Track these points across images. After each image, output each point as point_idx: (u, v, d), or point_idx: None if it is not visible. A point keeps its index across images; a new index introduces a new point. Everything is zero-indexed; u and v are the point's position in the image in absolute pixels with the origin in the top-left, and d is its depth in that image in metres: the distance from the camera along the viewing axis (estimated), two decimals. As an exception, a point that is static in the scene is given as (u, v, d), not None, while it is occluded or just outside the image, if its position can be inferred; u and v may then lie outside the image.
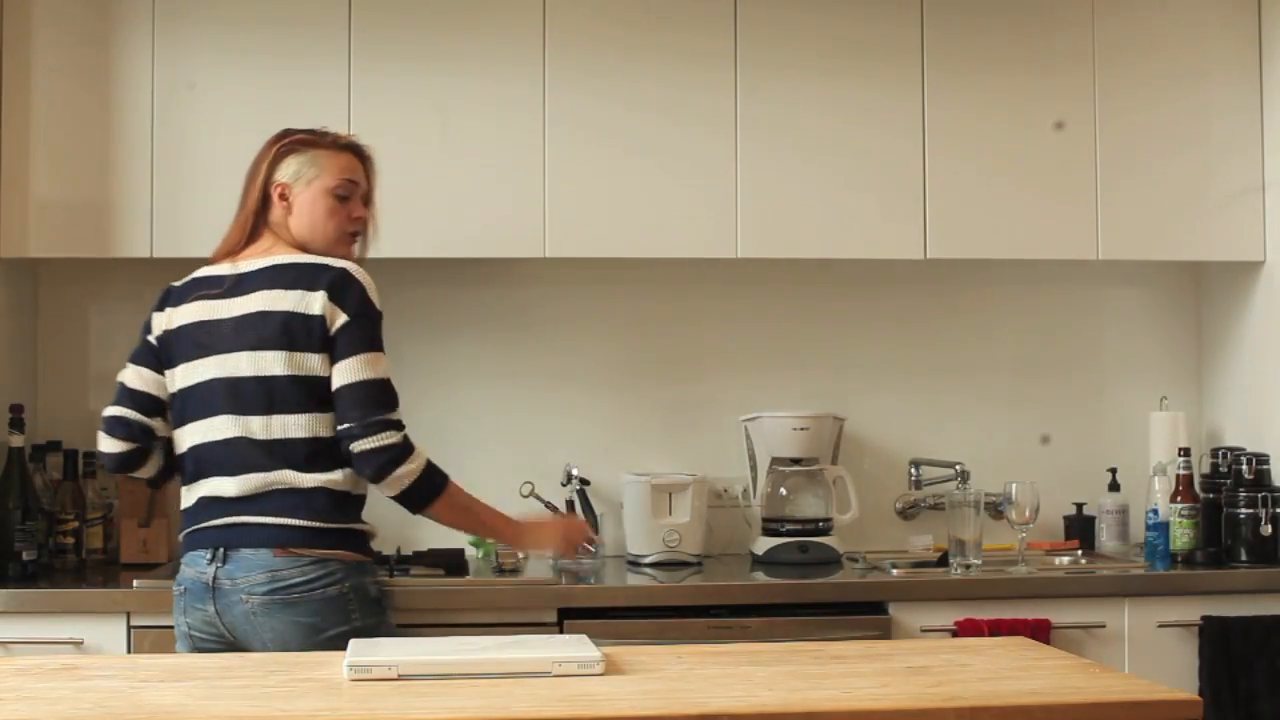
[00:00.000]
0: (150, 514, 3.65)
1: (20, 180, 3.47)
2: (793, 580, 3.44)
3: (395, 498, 2.67)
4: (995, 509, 3.75)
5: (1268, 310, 3.77)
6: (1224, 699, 3.32)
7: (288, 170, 2.79)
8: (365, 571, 2.69)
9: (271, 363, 2.64)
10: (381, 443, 2.61)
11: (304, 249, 2.77)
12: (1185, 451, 3.70)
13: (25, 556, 3.38)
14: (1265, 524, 3.54)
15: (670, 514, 3.65)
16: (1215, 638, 3.35)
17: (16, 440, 3.44)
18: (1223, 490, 3.64)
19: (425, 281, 3.86)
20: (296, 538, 2.62)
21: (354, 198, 2.82)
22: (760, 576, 3.48)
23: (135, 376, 2.82)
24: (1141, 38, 3.75)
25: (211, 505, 2.68)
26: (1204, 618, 3.37)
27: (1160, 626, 3.37)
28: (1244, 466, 3.61)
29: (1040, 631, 3.26)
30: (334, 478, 2.65)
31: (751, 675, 2.05)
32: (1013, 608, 3.32)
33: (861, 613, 3.31)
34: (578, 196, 3.57)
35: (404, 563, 3.44)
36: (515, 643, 2.22)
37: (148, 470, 2.89)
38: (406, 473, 2.63)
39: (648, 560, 3.62)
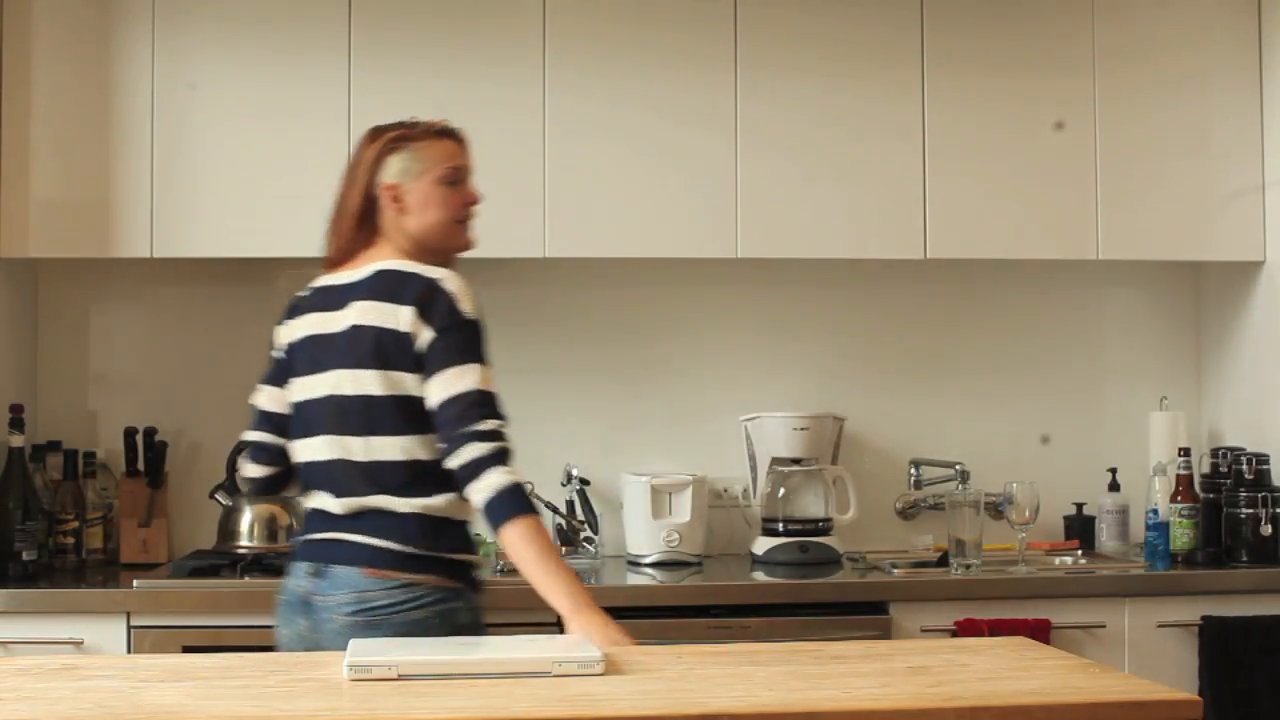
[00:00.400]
0: (150, 514, 3.65)
1: (20, 180, 3.47)
2: (793, 580, 3.44)
3: (481, 514, 2.47)
4: (995, 509, 3.75)
5: (1268, 310, 3.77)
6: (1224, 699, 3.32)
7: (393, 170, 2.62)
8: (457, 598, 2.52)
9: (368, 382, 2.51)
10: (466, 456, 2.43)
11: (422, 246, 2.62)
12: (1185, 451, 3.70)
13: (25, 556, 3.38)
14: (1265, 524, 3.54)
15: (670, 514, 3.65)
16: (1215, 638, 3.35)
17: (16, 440, 3.44)
18: (1223, 490, 3.64)
19: (425, 281, 3.86)
20: (386, 559, 2.50)
21: (462, 182, 2.68)
22: (760, 576, 3.48)
23: (267, 398, 2.72)
24: (1141, 39, 3.75)
25: (316, 518, 2.60)
26: (1204, 618, 3.37)
27: (1160, 626, 3.37)
28: (1244, 466, 3.61)
29: (1040, 631, 3.26)
30: (432, 503, 2.50)
31: (751, 675, 2.05)
32: (1013, 608, 3.32)
33: (861, 613, 3.31)
34: (578, 196, 3.57)
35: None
36: (515, 643, 2.22)
37: (291, 491, 2.82)
38: (486, 484, 2.42)
39: (648, 560, 3.62)
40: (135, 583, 3.23)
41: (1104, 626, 3.36)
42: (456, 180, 2.64)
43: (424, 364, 2.48)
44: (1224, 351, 3.96)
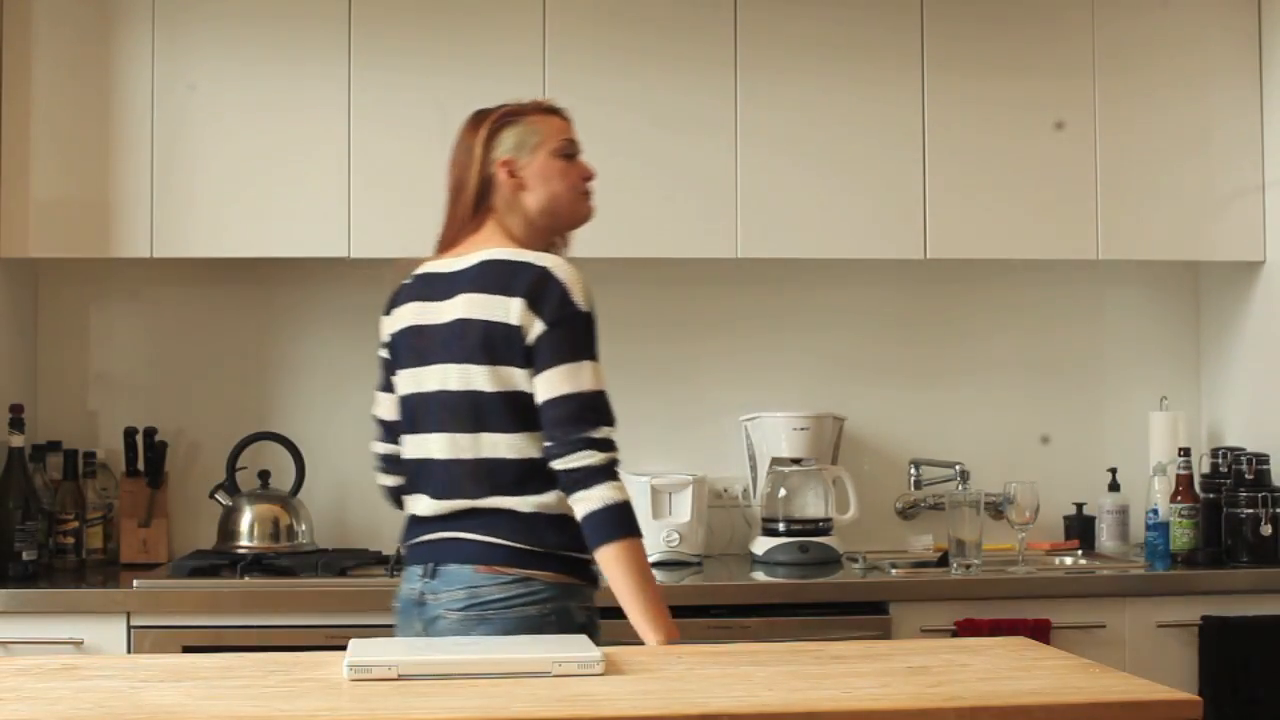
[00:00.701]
0: (150, 514, 3.65)
1: (20, 180, 3.47)
2: (793, 580, 3.44)
3: (581, 523, 2.38)
4: (995, 509, 3.75)
5: (1268, 310, 3.77)
6: (1224, 699, 3.32)
7: (507, 144, 2.54)
8: (573, 595, 2.44)
9: (477, 377, 2.42)
10: (577, 463, 2.35)
11: (539, 223, 2.54)
12: (1185, 451, 3.70)
13: (25, 556, 3.38)
14: (1265, 524, 3.54)
15: (670, 514, 3.65)
16: (1215, 638, 3.35)
17: (16, 440, 3.44)
18: (1223, 490, 3.64)
19: (425, 281, 3.86)
20: (500, 555, 2.42)
21: (575, 155, 2.59)
22: (760, 576, 3.48)
23: (385, 407, 2.62)
24: (1141, 40, 3.75)
25: (424, 521, 2.53)
26: (1204, 618, 3.37)
27: (1160, 626, 3.37)
28: (1244, 466, 3.61)
29: (1040, 631, 3.26)
30: (546, 500, 2.42)
31: (751, 675, 2.05)
32: (1013, 608, 3.32)
33: (861, 613, 3.31)
34: (578, 196, 3.57)
35: (404, 563, 3.44)
36: (515, 643, 2.22)
37: None
38: (595, 496, 2.34)
39: (648, 560, 3.61)
40: (135, 583, 3.23)
41: (1104, 626, 3.36)
42: (571, 153, 2.58)
43: (533, 358, 2.39)
44: (1224, 351, 3.96)
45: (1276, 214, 3.74)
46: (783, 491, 3.71)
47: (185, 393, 3.81)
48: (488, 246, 2.49)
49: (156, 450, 3.68)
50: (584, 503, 2.35)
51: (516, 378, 2.40)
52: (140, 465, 3.69)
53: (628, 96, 3.60)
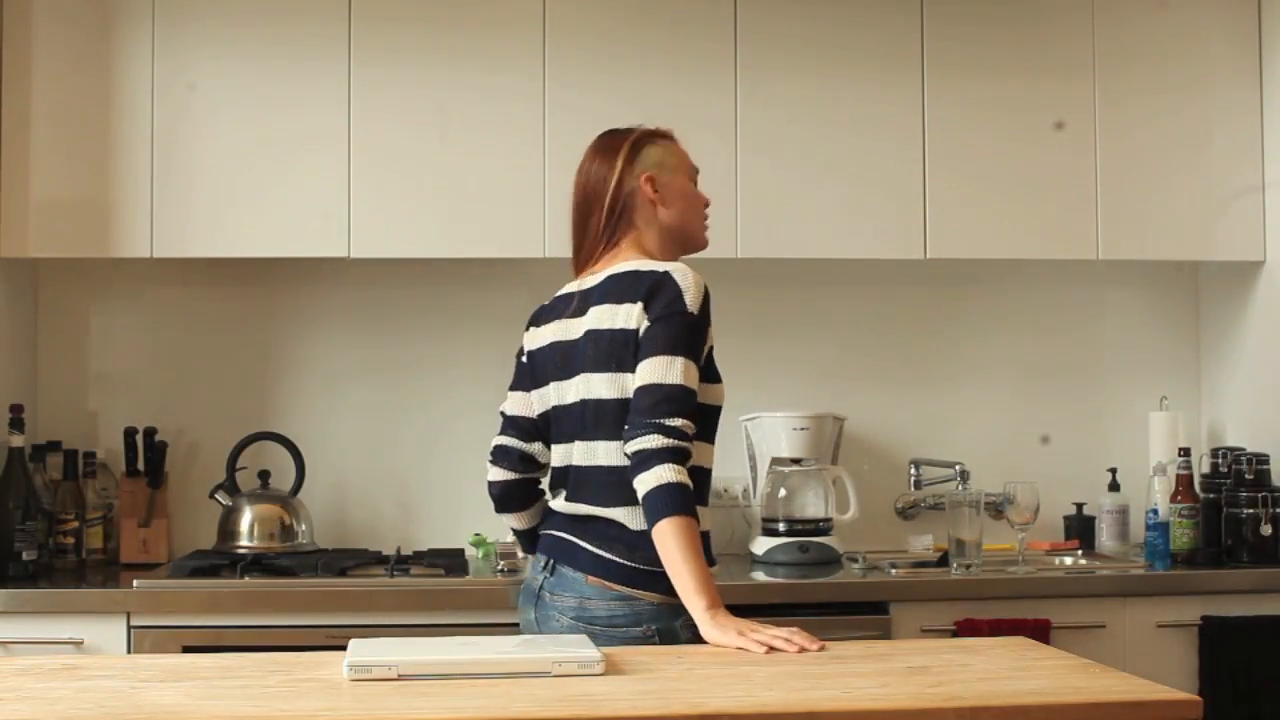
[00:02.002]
0: (150, 514, 3.65)
1: (20, 180, 3.47)
2: (793, 580, 3.44)
3: (641, 502, 2.40)
4: (995, 509, 3.76)
5: (1268, 310, 3.77)
6: (1224, 699, 3.32)
7: (651, 160, 2.62)
8: (678, 614, 2.44)
9: (599, 385, 2.49)
10: (641, 445, 2.38)
11: (672, 239, 2.63)
12: (1185, 451, 3.70)
13: (25, 556, 3.38)
14: (1265, 524, 3.54)
15: (670, 514, 3.64)
16: (1215, 638, 3.35)
17: (16, 440, 3.44)
18: (1223, 490, 3.64)
19: (425, 281, 3.86)
20: (608, 570, 2.48)
21: (696, 184, 2.73)
22: (760, 576, 3.47)
23: (511, 403, 2.72)
24: (1141, 41, 3.75)
25: (555, 516, 2.60)
26: (1204, 618, 3.37)
27: (1160, 626, 3.37)
28: (1244, 466, 3.61)
29: (1040, 631, 3.26)
30: (620, 510, 2.49)
31: (751, 675, 2.05)
32: (1013, 608, 3.32)
33: (861, 613, 3.30)
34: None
35: (404, 563, 3.45)
36: (515, 643, 2.22)
37: (526, 519, 2.75)
38: (654, 476, 2.36)
39: (648, 560, 3.61)
40: (135, 583, 3.23)
41: (1104, 626, 3.36)
42: (696, 181, 2.71)
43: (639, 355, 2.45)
44: (1224, 351, 3.97)
45: (1276, 214, 3.74)
46: (783, 491, 3.71)
47: (185, 393, 3.81)
48: (616, 263, 2.57)
49: (156, 450, 3.68)
50: (644, 483, 2.37)
51: (629, 383, 2.46)
52: (140, 465, 3.69)
53: (627, 96, 3.60)
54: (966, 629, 3.27)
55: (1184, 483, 3.66)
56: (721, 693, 1.93)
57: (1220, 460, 3.71)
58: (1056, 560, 3.73)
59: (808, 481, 3.72)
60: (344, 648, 2.11)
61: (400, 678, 1.98)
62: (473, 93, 3.57)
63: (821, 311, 3.99)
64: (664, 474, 2.36)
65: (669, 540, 2.36)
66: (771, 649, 2.25)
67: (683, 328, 2.45)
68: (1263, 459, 3.62)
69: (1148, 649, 3.35)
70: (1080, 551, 3.80)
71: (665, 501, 2.36)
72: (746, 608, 3.27)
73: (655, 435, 2.38)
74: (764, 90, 3.64)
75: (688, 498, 2.38)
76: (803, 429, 3.71)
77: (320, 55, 3.53)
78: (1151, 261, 3.93)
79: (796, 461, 3.71)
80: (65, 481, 3.62)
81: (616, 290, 2.51)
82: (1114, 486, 3.89)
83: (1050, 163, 3.71)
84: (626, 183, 2.60)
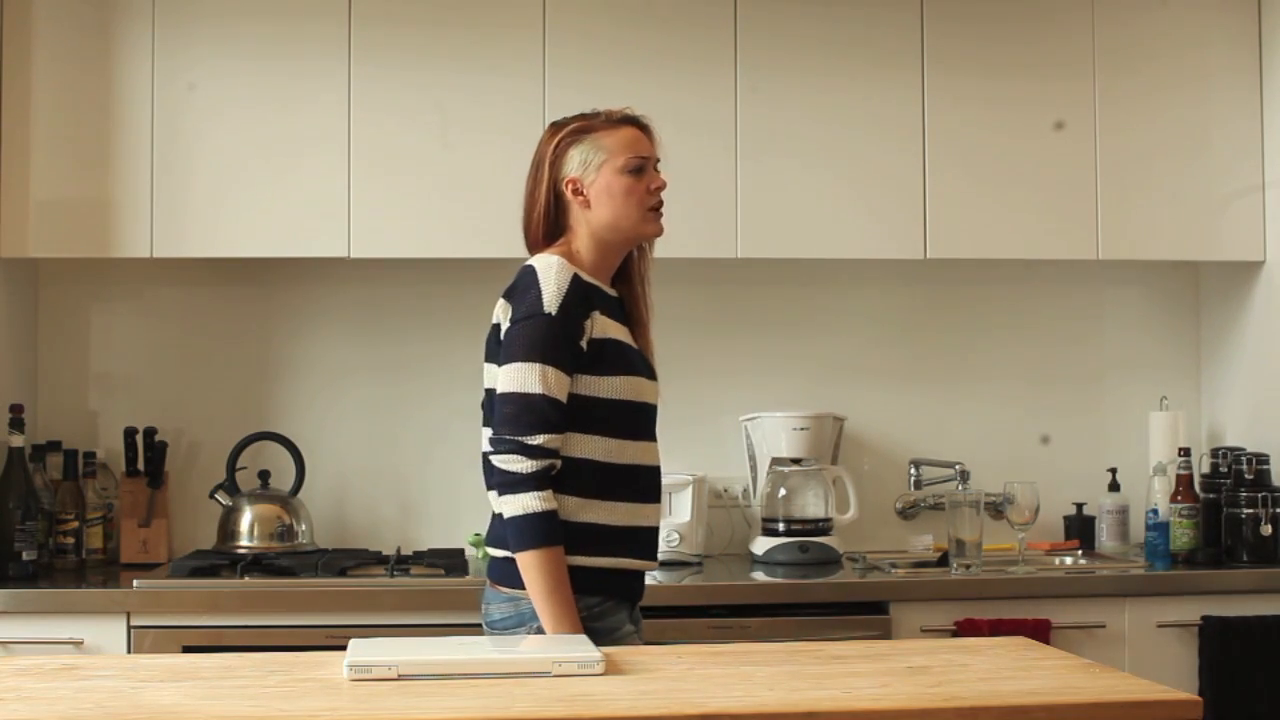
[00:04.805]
0: (150, 514, 3.65)
1: (20, 180, 3.47)
2: (793, 580, 3.44)
3: (505, 524, 2.44)
4: (995, 509, 3.76)
5: (1268, 310, 3.77)
6: (1224, 699, 3.32)
7: (573, 164, 2.56)
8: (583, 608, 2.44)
9: (488, 377, 2.55)
10: (507, 466, 2.41)
11: (607, 239, 2.56)
12: (1185, 451, 3.70)
13: (25, 556, 3.38)
14: (1265, 524, 3.54)
15: (670, 514, 3.64)
16: (1215, 638, 3.35)
17: (16, 440, 3.44)
18: (1223, 490, 3.64)
19: (425, 281, 3.86)
20: (497, 572, 2.51)
21: (646, 169, 2.58)
22: (760, 576, 3.48)
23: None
24: (1141, 40, 3.75)
25: None
26: (1204, 618, 3.37)
27: (1160, 626, 3.37)
28: (1244, 466, 3.61)
29: (1040, 631, 3.26)
30: None
31: (751, 675, 2.05)
32: (1013, 608, 3.32)
33: (861, 613, 3.31)
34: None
35: (404, 563, 3.45)
36: (515, 643, 2.22)
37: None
38: (518, 503, 2.39)
39: (648, 560, 3.61)
40: (135, 583, 3.23)
41: (1104, 626, 3.36)
42: (639, 168, 2.56)
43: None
44: (1224, 351, 3.97)
45: (1276, 214, 3.74)
46: (783, 491, 3.71)
47: (185, 393, 3.81)
48: (546, 254, 2.55)
49: (156, 450, 3.68)
50: (508, 506, 2.40)
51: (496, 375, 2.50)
52: (140, 465, 3.69)
53: (627, 96, 3.55)
54: (966, 629, 3.27)
55: (1184, 483, 3.66)
56: (721, 693, 1.93)
57: (1220, 460, 3.71)
58: (1056, 560, 3.73)
59: (808, 481, 3.72)
60: (344, 648, 2.11)
61: (400, 678, 1.98)
62: (473, 93, 3.57)
63: (821, 311, 3.99)
64: (529, 503, 2.39)
65: (529, 573, 2.39)
66: None
67: (542, 331, 2.43)
68: (1263, 459, 3.62)
69: (1148, 649, 3.35)
70: (1080, 551, 3.80)
71: (526, 533, 2.39)
72: (747, 608, 3.29)
73: (519, 457, 2.40)
74: (764, 90, 3.64)
75: (549, 527, 2.40)
76: (803, 429, 3.71)
77: (320, 55, 3.53)
78: (1151, 261, 3.93)
79: (796, 461, 3.71)
80: (65, 481, 3.62)
81: (509, 284, 2.55)
82: (1114, 486, 3.89)
83: (1050, 162, 3.71)
84: (556, 187, 2.57)
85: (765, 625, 3.24)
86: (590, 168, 2.55)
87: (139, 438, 3.69)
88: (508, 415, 2.42)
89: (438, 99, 3.56)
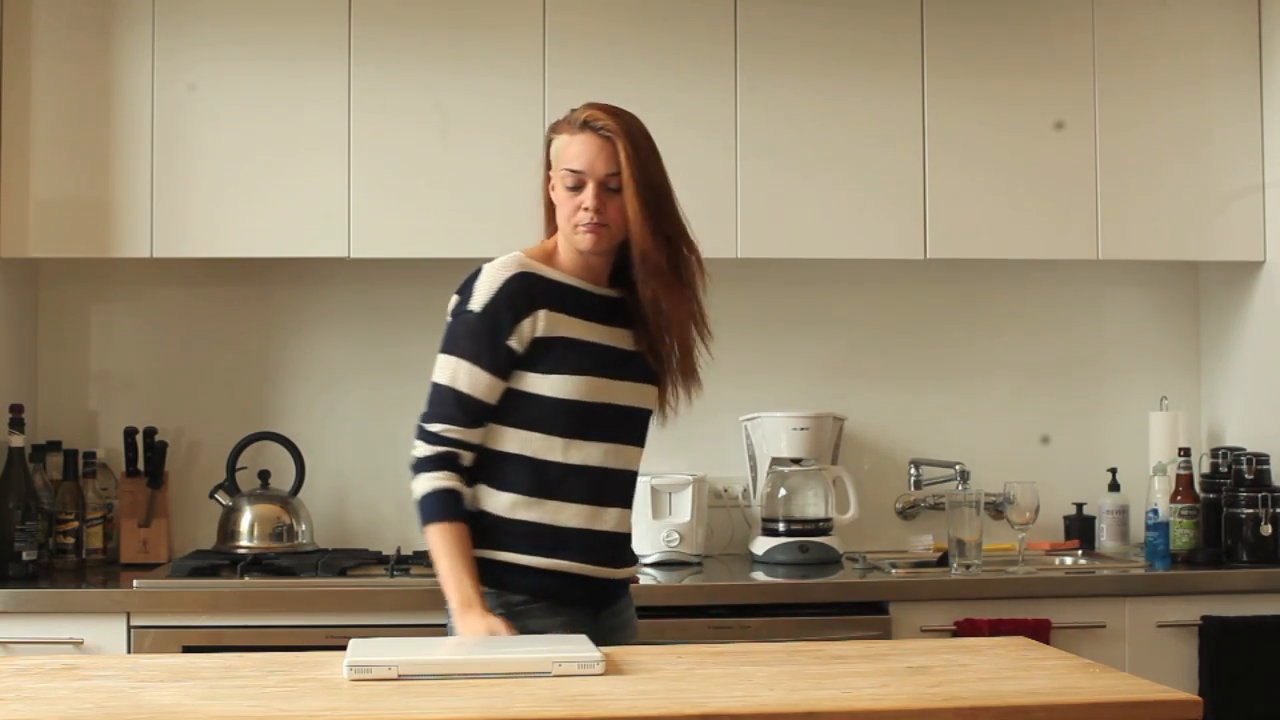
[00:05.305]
0: (150, 514, 3.65)
1: (20, 180, 3.47)
2: (793, 580, 3.44)
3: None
4: (995, 509, 3.76)
5: (1268, 310, 3.77)
6: (1224, 699, 3.32)
7: (551, 156, 2.57)
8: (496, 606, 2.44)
9: None
10: (414, 452, 2.48)
11: (564, 236, 2.54)
12: (1185, 451, 3.70)
13: (25, 556, 3.38)
14: (1265, 524, 3.54)
15: (670, 514, 3.65)
16: (1215, 638, 3.35)
17: (16, 440, 3.44)
18: (1223, 490, 3.64)
19: (425, 281, 3.85)
20: None
21: (585, 188, 2.48)
22: (760, 576, 3.48)
23: None
24: (1141, 40, 3.75)
25: None
26: (1204, 618, 3.37)
27: (1160, 626, 3.37)
28: (1244, 466, 3.61)
29: (1040, 631, 3.26)
30: (468, 493, 2.51)
31: (751, 675, 2.05)
32: (1013, 608, 3.32)
33: (861, 613, 3.31)
34: (578, 196, 3.57)
35: (404, 563, 3.45)
36: (515, 643, 2.22)
37: None
38: (419, 484, 2.46)
39: (648, 560, 3.61)
40: (135, 583, 3.23)
41: (1104, 626, 3.36)
42: (573, 186, 2.49)
43: None
44: (1224, 351, 3.96)
45: (1276, 214, 3.74)
46: (783, 491, 3.71)
47: (185, 393, 3.81)
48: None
49: (156, 450, 3.68)
50: (413, 490, 2.46)
51: None
52: (140, 465, 3.69)
53: (627, 97, 3.55)
54: (966, 629, 3.27)
55: (1184, 483, 3.66)
56: (721, 693, 1.93)
57: (1220, 460, 3.71)
58: (1056, 560, 3.73)
59: (808, 481, 3.72)
60: (344, 648, 2.11)
61: (400, 678, 1.98)
62: (473, 93, 3.57)
63: (821, 311, 3.99)
64: (425, 483, 2.44)
65: (430, 546, 2.44)
66: None
67: (462, 328, 2.48)
68: (1263, 459, 3.62)
69: (1148, 649, 3.35)
70: (1080, 551, 3.80)
71: (424, 510, 2.44)
72: (747, 608, 3.29)
73: (419, 442, 2.47)
74: (764, 90, 3.64)
75: (439, 505, 2.43)
76: (803, 429, 3.71)
77: (320, 56, 3.53)
78: (1151, 261, 3.93)
79: (796, 461, 3.71)
80: (65, 481, 3.62)
81: None
82: (1114, 486, 3.89)
83: (1050, 162, 3.71)
84: (545, 184, 2.60)
85: (765, 625, 3.24)
86: (555, 165, 2.56)
87: (139, 438, 3.69)
88: (426, 404, 2.49)
89: (438, 99, 3.56)
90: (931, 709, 1.85)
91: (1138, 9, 3.75)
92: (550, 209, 2.59)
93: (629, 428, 2.57)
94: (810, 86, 3.65)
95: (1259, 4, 3.77)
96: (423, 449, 2.47)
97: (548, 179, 2.58)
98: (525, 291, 2.48)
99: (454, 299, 2.53)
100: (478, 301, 2.47)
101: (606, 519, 2.52)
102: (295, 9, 3.54)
